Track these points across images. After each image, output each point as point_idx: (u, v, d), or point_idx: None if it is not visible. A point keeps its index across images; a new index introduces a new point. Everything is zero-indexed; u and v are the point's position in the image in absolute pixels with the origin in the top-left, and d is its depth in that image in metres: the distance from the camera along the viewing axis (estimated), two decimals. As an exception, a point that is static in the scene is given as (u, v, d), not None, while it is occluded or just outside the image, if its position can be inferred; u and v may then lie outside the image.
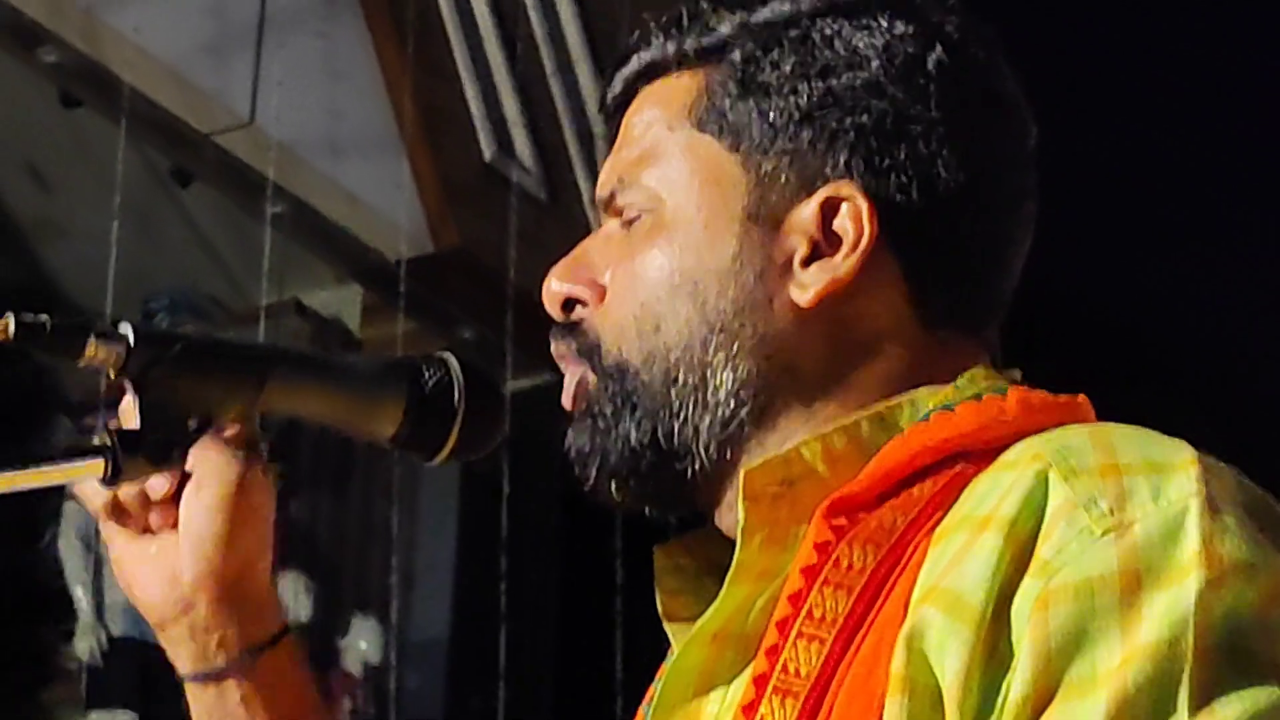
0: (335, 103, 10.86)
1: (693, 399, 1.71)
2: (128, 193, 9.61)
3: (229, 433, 1.78)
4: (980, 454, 1.62)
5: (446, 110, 11.16)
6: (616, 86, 1.85)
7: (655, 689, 1.79)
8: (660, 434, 1.71)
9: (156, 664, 8.25)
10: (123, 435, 1.67)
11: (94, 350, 1.67)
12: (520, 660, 10.40)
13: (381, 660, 10.92)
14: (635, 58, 1.84)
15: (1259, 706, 1.42)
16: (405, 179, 10.99)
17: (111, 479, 1.66)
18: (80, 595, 9.76)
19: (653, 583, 1.78)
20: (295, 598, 10.65)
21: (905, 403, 1.70)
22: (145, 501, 1.76)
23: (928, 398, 1.70)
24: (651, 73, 1.83)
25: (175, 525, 1.80)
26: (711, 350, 1.70)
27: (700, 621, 1.68)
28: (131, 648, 9.76)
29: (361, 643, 10.95)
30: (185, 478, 1.76)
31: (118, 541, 1.80)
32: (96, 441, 1.67)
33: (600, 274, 1.77)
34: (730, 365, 1.70)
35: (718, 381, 1.70)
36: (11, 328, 1.63)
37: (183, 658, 1.87)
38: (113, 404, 1.77)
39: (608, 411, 1.73)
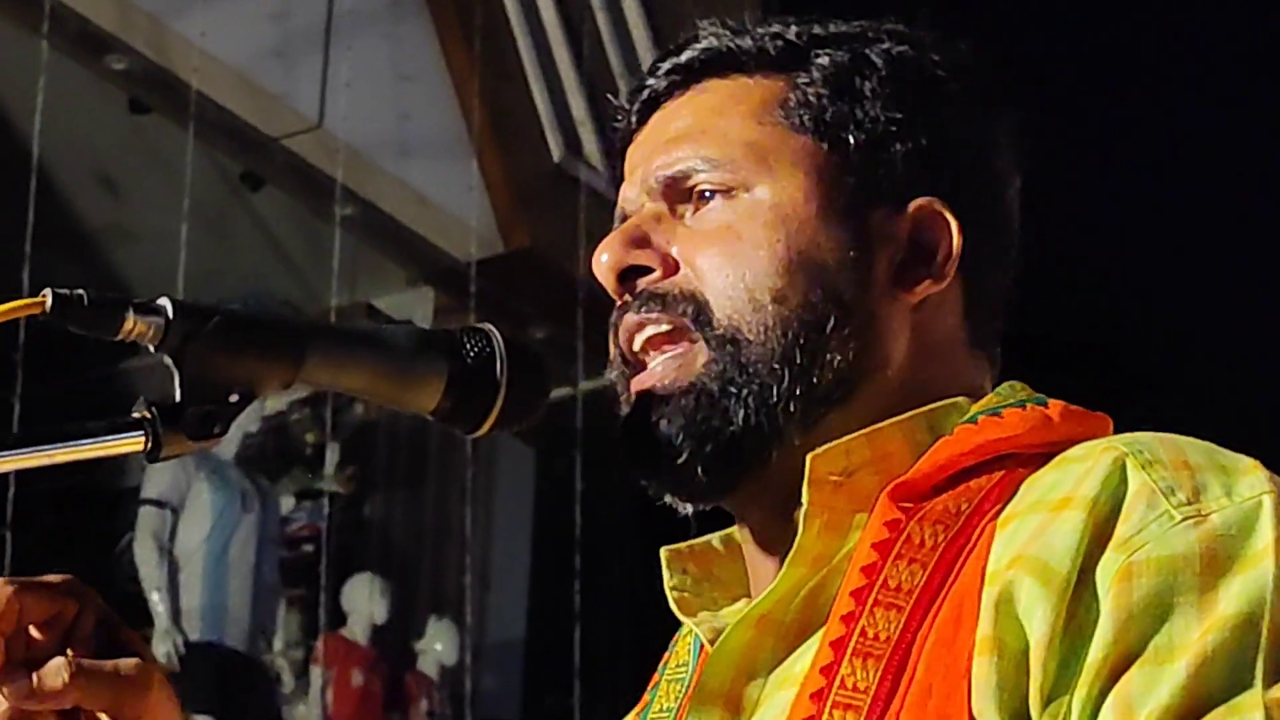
0: (403, 105, 10.89)
1: (801, 379, 1.73)
2: (197, 197, 9.65)
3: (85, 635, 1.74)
4: (1029, 456, 1.68)
5: (515, 111, 11.18)
6: (663, 79, 1.85)
7: (659, 675, 1.83)
8: (764, 414, 1.73)
9: (233, 668, 8.26)
10: (163, 409, 1.65)
11: (131, 324, 1.65)
12: (596, 660, 10.41)
13: (457, 662, 10.96)
14: (696, 49, 1.84)
15: None
16: (474, 180, 11.02)
17: (152, 453, 1.64)
18: (157, 600, 9.81)
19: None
20: (371, 600, 10.71)
21: (950, 406, 1.75)
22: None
23: (967, 404, 1.75)
24: (717, 67, 1.83)
25: None
26: (829, 331, 1.73)
27: (753, 604, 1.70)
28: (208, 652, 9.81)
29: (437, 644, 10.99)
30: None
31: None
32: (136, 415, 1.65)
33: (666, 247, 1.78)
34: (843, 347, 1.74)
35: (827, 359, 1.73)
36: (49, 302, 1.62)
37: None
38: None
39: (715, 389, 1.73)
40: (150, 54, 9.96)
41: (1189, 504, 1.56)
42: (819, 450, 1.70)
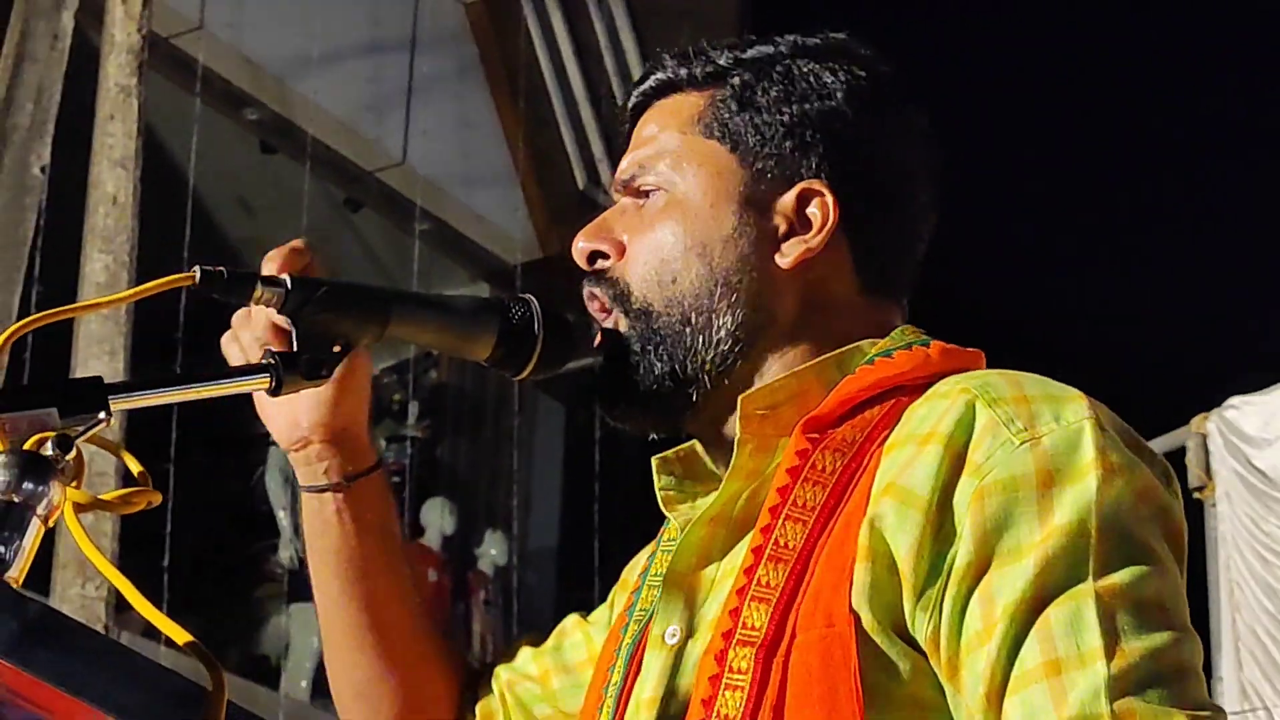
0: (466, 146, 10.88)
1: (702, 337, 1.70)
2: (311, 217, 9.63)
3: None
4: (913, 387, 1.64)
5: (549, 151, 11.17)
6: (634, 99, 1.85)
7: (647, 563, 1.83)
8: (676, 366, 1.70)
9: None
10: (284, 356, 1.64)
11: (260, 293, 1.64)
12: (611, 562, 10.39)
13: (507, 563, 10.93)
14: (652, 78, 1.84)
15: (1140, 573, 1.47)
16: (519, 203, 11.02)
17: (274, 391, 1.63)
18: (282, 517, 9.80)
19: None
20: (442, 517, 10.68)
21: (854, 350, 1.70)
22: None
23: (869, 347, 1.71)
24: (664, 90, 1.82)
25: None
26: (716, 299, 1.70)
27: (703, 508, 1.70)
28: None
29: (492, 550, 10.96)
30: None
31: (259, 393, 1.80)
32: (263, 361, 1.64)
33: (620, 235, 1.77)
34: (730, 311, 1.70)
35: (720, 323, 1.70)
36: (198, 275, 1.61)
37: (301, 474, 1.90)
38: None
39: (636, 349, 1.72)
40: (276, 107, 9.93)
41: (1025, 430, 1.53)
42: (749, 392, 1.68)
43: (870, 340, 1.71)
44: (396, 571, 1.91)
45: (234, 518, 10.19)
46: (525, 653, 1.99)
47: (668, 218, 1.74)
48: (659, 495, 1.79)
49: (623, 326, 1.74)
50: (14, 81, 6.41)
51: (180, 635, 1.25)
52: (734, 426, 1.69)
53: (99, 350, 6.13)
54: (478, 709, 1.97)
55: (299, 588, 9.75)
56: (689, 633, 1.65)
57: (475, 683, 2.00)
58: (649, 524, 1.85)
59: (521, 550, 11.09)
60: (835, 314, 1.74)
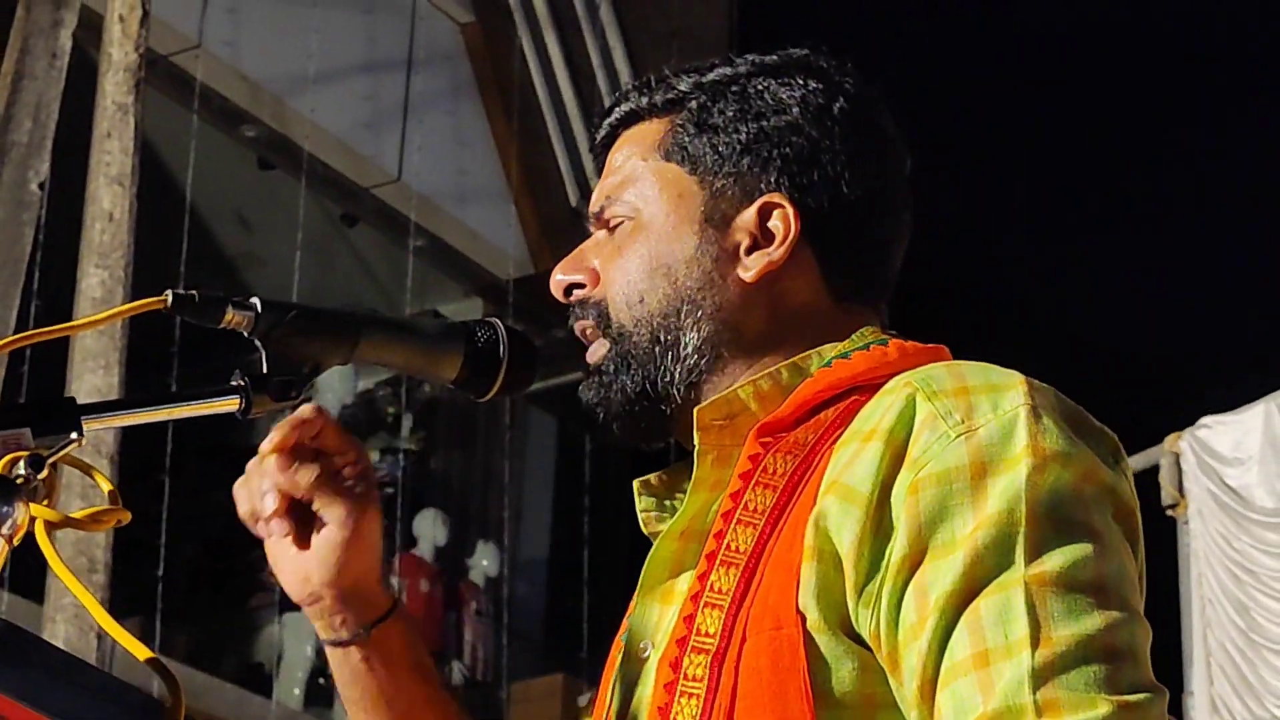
0: (461, 163, 10.90)
1: (671, 354, 1.71)
2: (308, 232, 9.64)
3: (349, 473, 1.78)
4: (869, 386, 1.64)
5: (542, 169, 11.18)
6: (602, 131, 1.87)
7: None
8: (648, 384, 1.72)
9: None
10: (253, 378, 1.65)
11: (231, 316, 1.65)
12: (600, 573, 10.40)
13: (498, 574, 10.95)
14: (615, 111, 1.85)
15: (1075, 557, 1.46)
16: (512, 219, 11.03)
17: (244, 412, 1.64)
18: (275, 527, 9.79)
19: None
20: (435, 528, 10.69)
21: (814, 354, 1.70)
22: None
23: (829, 350, 1.70)
24: (629, 120, 1.83)
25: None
26: (682, 316, 1.71)
27: (670, 523, 1.69)
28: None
29: (483, 561, 10.97)
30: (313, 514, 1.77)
31: (270, 544, 1.79)
32: (233, 383, 1.65)
33: (593, 264, 1.78)
34: (696, 327, 1.71)
35: (686, 340, 1.71)
36: (170, 299, 1.62)
37: (318, 628, 1.86)
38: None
39: (610, 369, 1.73)
40: (274, 125, 9.97)
41: (962, 422, 1.52)
42: (703, 404, 1.68)
43: (830, 345, 1.71)
44: (436, 704, 1.85)
45: (228, 528, 10.16)
46: None
47: (634, 242, 1.75)
48: (640, 518, 1.79)
49: (602, 352, 1.76)
50: (12, 99, 6.43)
51: (141, 652, 1.27)
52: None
53: (94, 365, 6.14)
54: None
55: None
56: (658, 646, 1.64)
57: None
58: (638, 536, 1.86)
59: (513, 561, 11.11)
60: (806, 323, 1.73)
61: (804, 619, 1.50)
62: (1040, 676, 1.41)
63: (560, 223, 11.15)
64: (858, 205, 1.76)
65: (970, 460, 1.50)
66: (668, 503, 1.79)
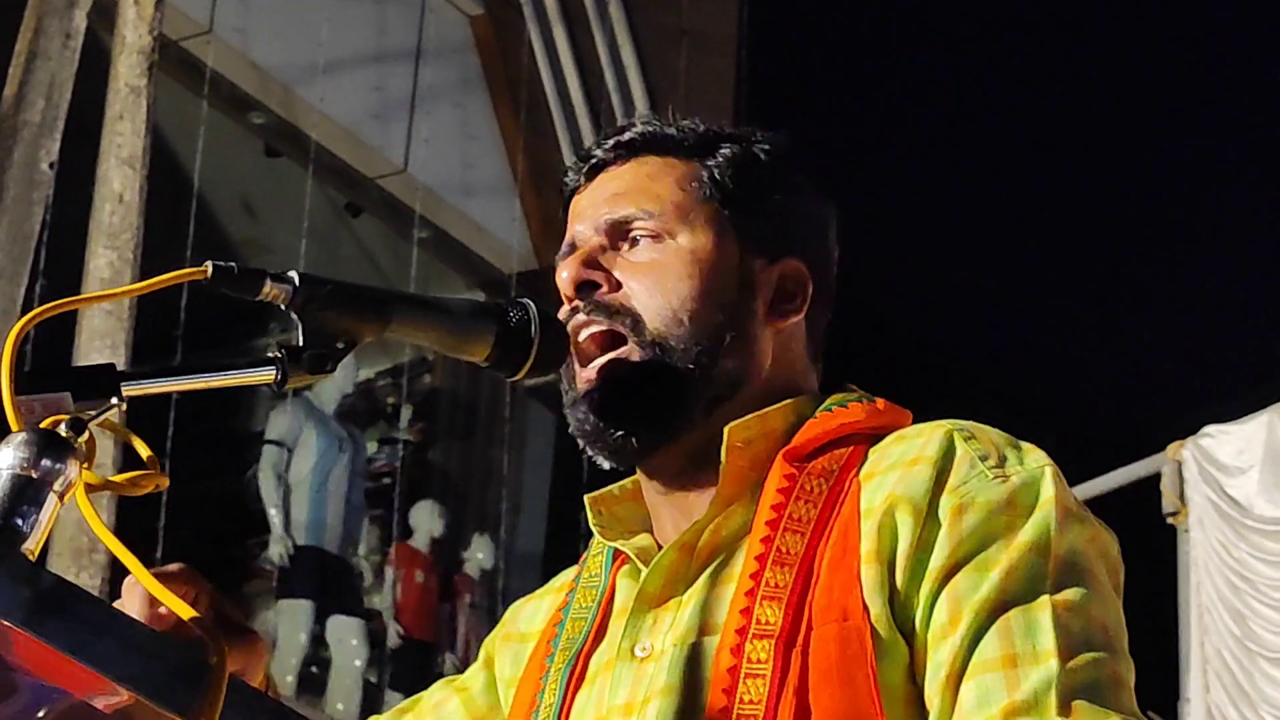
0: (467, 156, 10.92)
1: (705, 378, 1.80)
2: (313, 221, 9.67)
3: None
4: (866, 434, 1.79)
5: (548, 163, 11.19)
6: (608, 151, 1.91)
7: (566, 599, 1.89)
8: (679, 401, 1.80)
9: (328, 566, 8.25)
10: (289, 350, 1.67)
11: (269, 289, 1.67)
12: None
13: (493, 567, 10.97)
14: (632, 131, 1.91)
15: (1086, 596, 1.63)
16: (517, 214, 11.05)
17: (280, 383, 1.66)
18: (274, 514, 9.83)
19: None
20: (431, 519, 10.71)
21: (812, 398, 1.85)
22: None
23: (821, 397, 1.86)
24: (649, 146, 1.89)
25: None
26: (724, 346, 1.81)
27: (679, 537, 1.78)
28: (310, 554, 9.84)
29: (479, 554, 10.99)
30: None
31: None
32: (269, 354, 1.67)
33: (610, 269, 1.84)
34: (731, 358, 1.81)
35: (721, 367, 1.81)
36: (210, 270, 1.64)
37: None
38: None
39: (646, 375, 1.79)
40: (282, 113, 9.99)
41: (997, 467, 1.70)
42: (734, 424, 1.80)
43: (816, 393, 1.88)
44: None
45: (226, 514, 10.21)
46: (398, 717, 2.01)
47: (680, 263, 1.83)
48: (595, 530, 1.89)
49: (635, 356, 1.80)
50: (26, 78, 6.45)
51: (185, 611, 1.29)
52: (702, 463, 1.80)
53: (101, 345, 6.16)
54: None
55: (288, 584, 9.79)
56: (664, 646, 1.73)
57: None
58: None
59: (508, 554, 11.12)
60: (792, 374, 1.88)
61: (869, 613, 1.64)
62: (1065, 684, 1.57)
63: (564, 219, 11.19)
64: (831, 287, 1.94)
65: (1007, 499, 1.68)
66: (612, 522, 1.90)
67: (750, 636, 1.65)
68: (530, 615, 1.98)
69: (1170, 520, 8.02)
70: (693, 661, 1.69)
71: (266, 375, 1.66)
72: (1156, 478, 8.07)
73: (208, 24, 9.44)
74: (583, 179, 1.92)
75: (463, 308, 1.78)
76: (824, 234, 1.94)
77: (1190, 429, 8.01)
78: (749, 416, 1.80)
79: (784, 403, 1.83)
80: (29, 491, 1.25)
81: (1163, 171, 13.85)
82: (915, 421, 1.84)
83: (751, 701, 1.62)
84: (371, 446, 11.17)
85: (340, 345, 1.70)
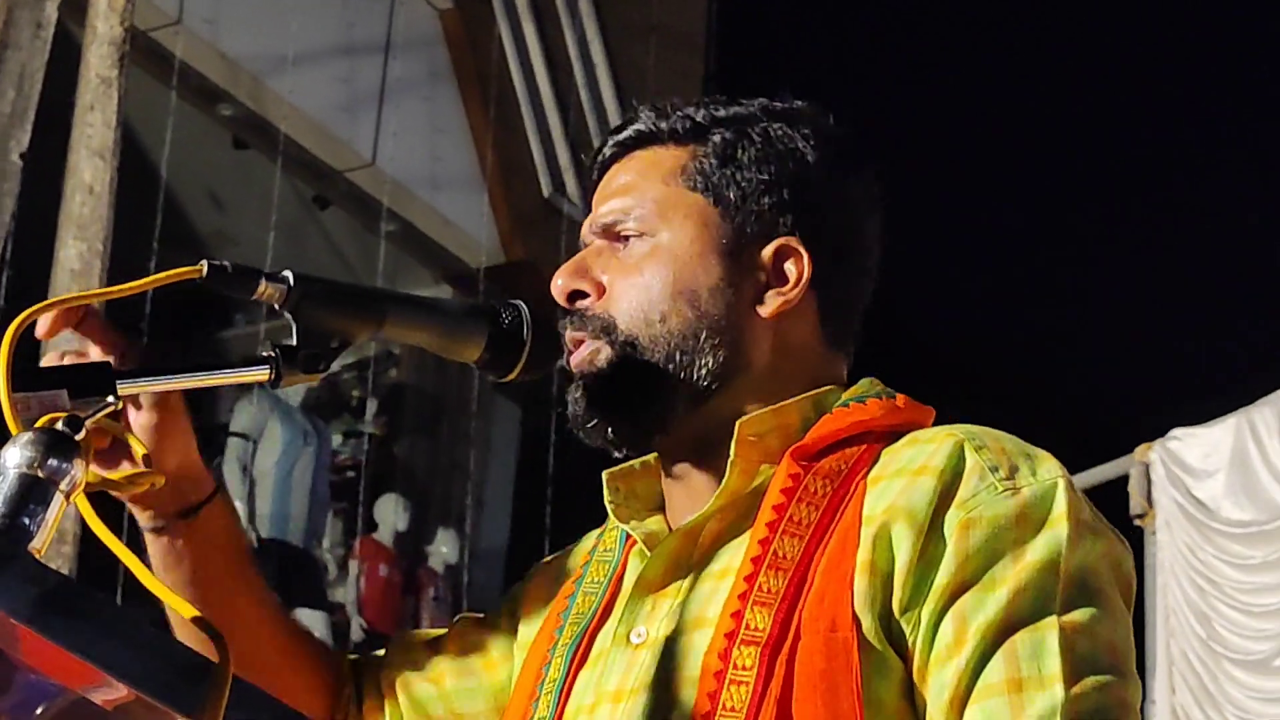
0: (435, 150, 10.91)
1: (683, 374, 1.78)
2: (280, 213, 9.65)
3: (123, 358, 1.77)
4: (882, 433, 1.76)
5: (517, 158, 11.21)
6: (610, 149, 1.91)
7: (581, 570, 1.90)
8: (653, 398, 1.79)
9: (293, 559, 8.23)
10: (284, 349, 1.68)
11: (264, 288, 1.67)
12: (560, 564, 10.44)
13: (457, 561, 10.98)
14: (630, 128, 1.89)
15: (1095, 616, 1.60)
16: (485, 208, 11.05)
17: (274, 383, 1.67)
18: (238, 506, 9.76)
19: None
20: (396, 513, 10.71)
21: (829, 392, 1.81)
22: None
23: (840, 391, 1.82)
24: (642, 141, 1.88)
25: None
26: (701, 341, 1.78)
27: (686, 522, 1.77)
28: (275, 547, 9.82)
29: (443, 548, 11.00)
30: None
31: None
32: (263, 354, 1.68)
33: (599, 276, 1.83)
34: (713, 353, 1.78)
35: (701, 363, 1.78)
36: (205, 269, 1.65)
37: (140, 519, 1.90)
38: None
39: (612, 375, 1.79)
40: (250, 104, 9.97)
41: (1008, 479, 1.66)
42: (746, 418, 1.77)
43: (838, 387, 1.82)
44: (251, 582, 1.93)
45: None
46: (422, 654, 2.02)
47: (655, 262, 1.81)
48: (610, 508, 1.87)
49: (604, 356, 1.80)
50: (-4, 68, 6.43)
51: (187, 610, 1.30)
52: (709, 451, 1.79)
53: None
54: (365, 706, 2.02)
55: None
56: (657, 635, 1.73)
57: (353, 678, 2.04)
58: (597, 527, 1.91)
59: (473, 549, 11.13)
60: (801, 361, 1.83)
61: (859, 625, 1.61)
62: (1070, 710, 1.56)
63: (532, 213, 11.19)
64: (854, 257, 1.87)
65: (1017, 513, 1.64)
66: (630, 500, 1.88)
67: (738, 641, 1.63)
68: (541, 572, 2.00)
69: (1137, 522, 8.07)
70: (682, 656, 1.69)
71: (261, 374, 1.67)
72: (1124, 480, 8.12)
73: (177, 15, 9.42)
74: (596, 176, 1.92)
75: (456, 309, 1.79)
76: (834, 200, 1.86)
77: (1158, 432, 8.04)
78: (764, 410, 1.78)
79: (803, 396, 1.80)
80: (36, 491, 1.26)
81: (1133, 175, 13.90)
82: (937, 422, 1.80)
83: (733, 709, 1.61)
84: (336, 440, 11.16)
85: (334, 345, 1.71)
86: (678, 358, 1.78)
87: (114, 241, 6.64)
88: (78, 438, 1.43)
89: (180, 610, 1.32)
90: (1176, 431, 7.92)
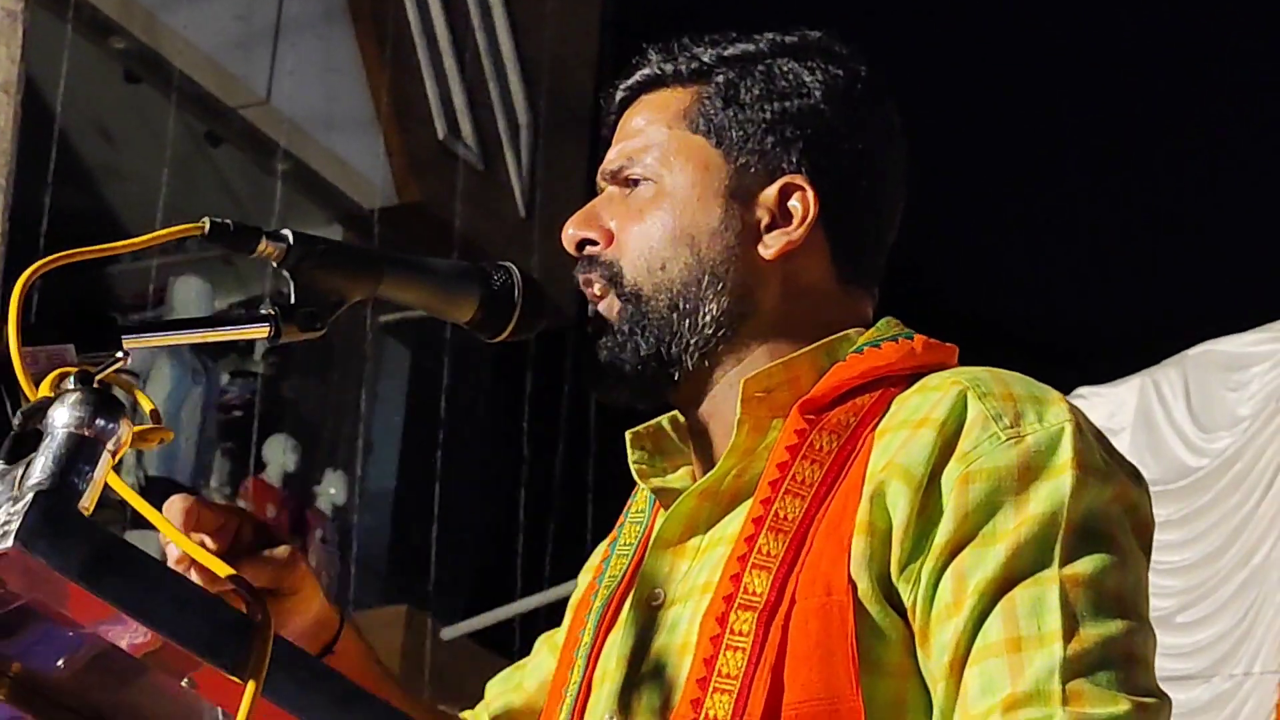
0: (331, 90, 10.84)
1: (688, 322, 1.75)
2: (173, 150, 9.58)
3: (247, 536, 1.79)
4: (899, 378, 1.72)
5: (412, 100, 11.16)
6: (620, 94, 1.89)
7: (618, 532, 1.88)
8: (661, 348, 1.75)
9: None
10: (283, 307, 1.69)
11: (264, 246, 1.68)
12: (449, 506, 10.46)
13: (345, 503, 10.97)
14: (638, 73, 1.88)
15: (1103, 565, 1.56)
16: (380, 149, 11.01)
17: (273, 338, 1.68)
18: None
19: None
20: (284, 454, 10.67)
21: (843, 338, 1.76)
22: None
23: (856, 336, 1.77)
24: (650, 85, 1.86)
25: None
26: (703, 287, 1.75)
27: (698, 483, 1.76)
28: (162, 485, 9.76)
29: (331, 489, 10.97)
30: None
31: None
32: (264, 311, 1.69)
33: (607, 223, 1.82)
34: (716, 299, 1.75)
35: (706, 309, 1.75)
36: (207, 227, 1.65)
37: None
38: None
39: (625, 329, 1.77)
40: (144, 39, 9.89)
41: (1012, 427, 1.61)
42: (751, 375, 1.74)
43: (856, 330, 1.78)
44: (393, 694, 1.92)
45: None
46: (511, 675, 2.02)
47: (656, 208, 1.79)
48: (633, 468, 1.84)
49: (614, 308, 1.80)
50: (-103, -2, 6.34)
51: (222, 569, 1.32)
52: (722, 404, 1.77)
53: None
54: None
55: (138, 515, 9.69)
56: (672, 597, 1.72)
57: None
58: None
59: (361, 491, 11.12)
60: (814, 302, 1.79)
61: (855, 588, 1.59)
62: (1069, 669, 1.52)
63: (427, 155, 11.15)
64: (868, 192, 1.83)
65: (1019, 463, 1.60)
66: (657, 459, 1.86)
67: (736, 606, 1.62)
68: (600, 548, 1.95)
69: (1042, 479, 8.16)
70: (690, 620, 1.68)
71: (261, 330, 1.69)
72: (1028, 438, 8.20)
73: (72, -53, 9.31)
74: (612, 122, 1.90)
75: (449, 270, 1.80)
76: (843, 134, 1.82)
77: (1063, 390, 8.11)
78: (772, 365, 1.74)
79: (815, 345, 1.75)
80: (85, 450, 1.28)
81: (1041, 128, 13.97)
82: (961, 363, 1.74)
83: (729, 675, 1.60)
84: (225, 379, 11.10)
85: (332, 302, 1.73)
86: (681, 305, 1.77)
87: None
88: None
89: (215, 569, 1.34)
90: (1081, 390, 8.01)
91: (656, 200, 1.79)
